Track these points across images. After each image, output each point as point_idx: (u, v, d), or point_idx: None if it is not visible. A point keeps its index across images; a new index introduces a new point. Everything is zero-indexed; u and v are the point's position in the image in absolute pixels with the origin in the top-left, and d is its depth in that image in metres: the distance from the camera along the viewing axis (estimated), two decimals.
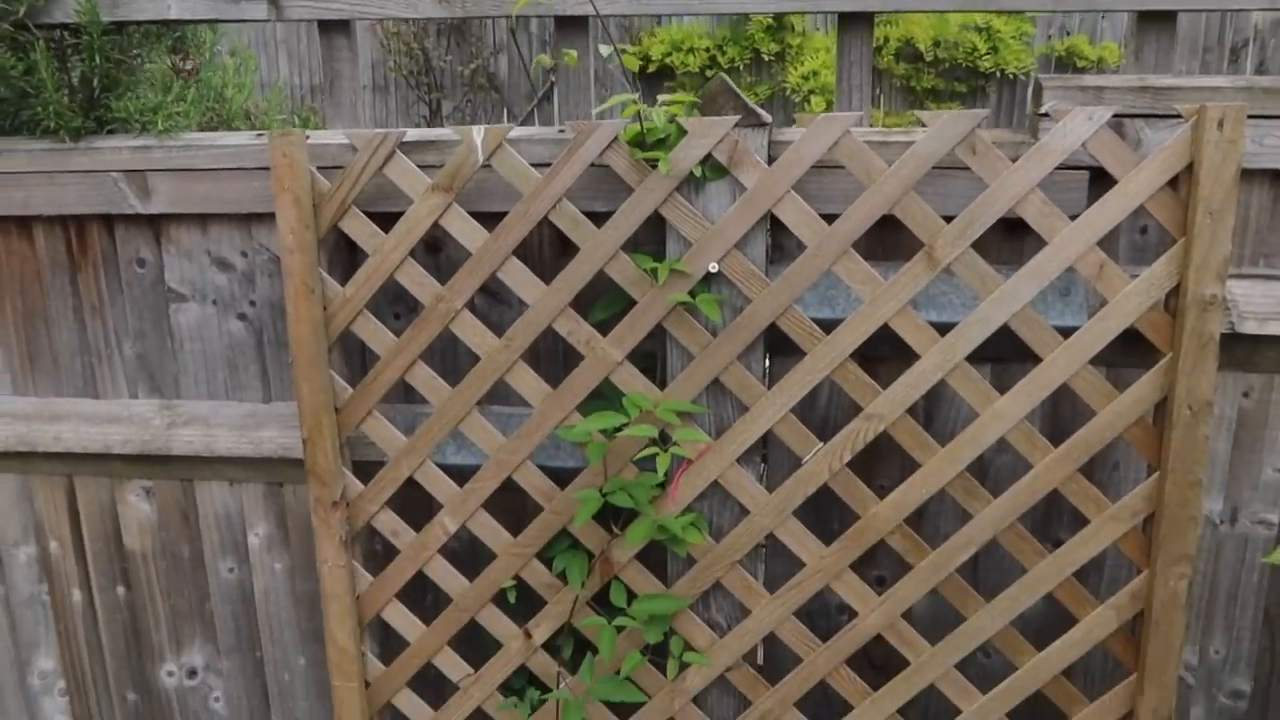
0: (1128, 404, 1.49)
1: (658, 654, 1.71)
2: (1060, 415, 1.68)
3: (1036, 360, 1.51)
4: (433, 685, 1.92)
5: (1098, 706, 1.62)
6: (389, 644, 1.91)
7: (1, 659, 2.12)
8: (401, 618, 1.80)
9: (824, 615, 1.82)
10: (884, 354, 1.62)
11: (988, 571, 1.75)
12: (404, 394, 1.84)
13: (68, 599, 2.06)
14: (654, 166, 1.52)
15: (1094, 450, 1.51)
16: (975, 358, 1.53)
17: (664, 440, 1.59)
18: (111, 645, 2.08)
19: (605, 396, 1.66)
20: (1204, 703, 1.76)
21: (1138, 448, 1.52)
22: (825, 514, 1.75)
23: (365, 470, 1.76)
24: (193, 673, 2.07)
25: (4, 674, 2.13)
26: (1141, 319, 1.46)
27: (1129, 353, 1.55)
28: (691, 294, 1.55)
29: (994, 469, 1.71)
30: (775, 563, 1.79)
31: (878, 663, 1.81)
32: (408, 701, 1.84)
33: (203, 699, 2.08)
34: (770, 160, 1.53)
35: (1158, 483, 1.51)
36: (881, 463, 1.74)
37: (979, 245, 1.48)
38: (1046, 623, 1.73)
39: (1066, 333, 1.49)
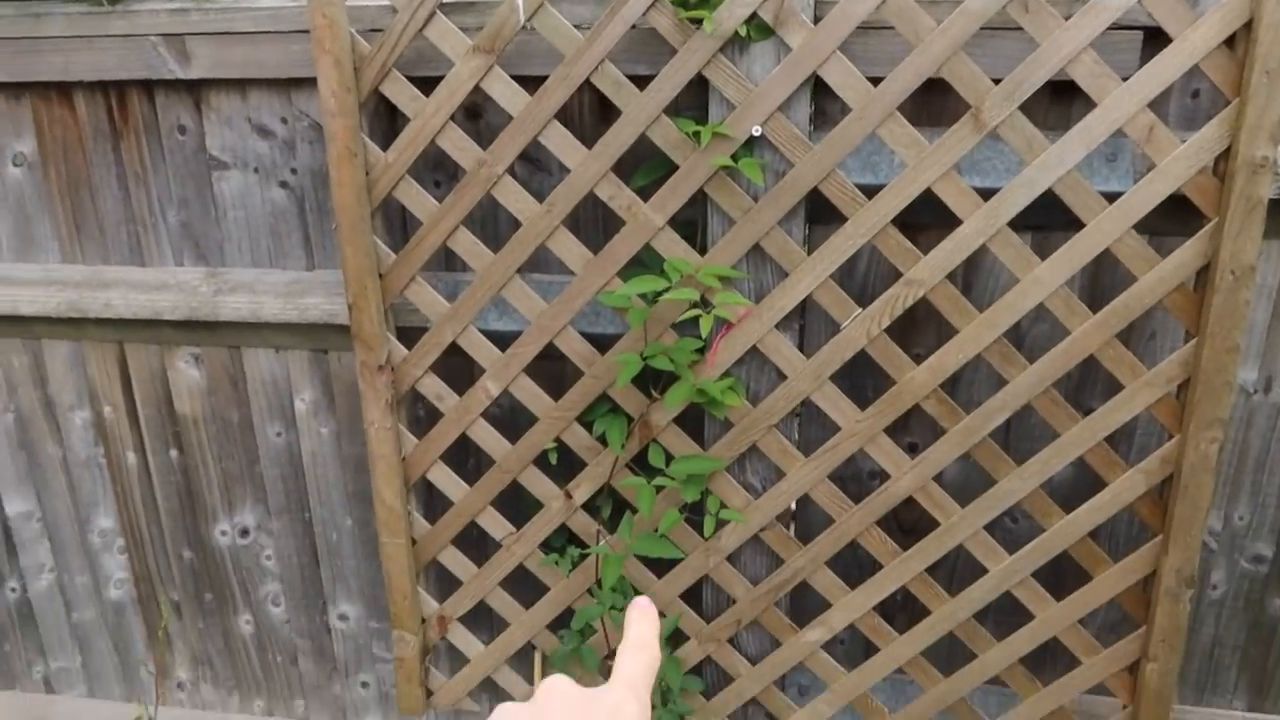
0: (1170, 269, 1.49)
1: (694, 513, 1.77)
2: (1100, 284, 1.68)
3: (1079, 228, 1.51)
4: (475, 545, 2.00)
5: (1122, 567, 1.67)
6: (433, 506, 1.98)
7: (63, 517, 2.22)
8: (446, 478, 1.86)
9: (856, 481, 1.86)
10: (925, 222, 1.62)
11: (1019, 439, 1.78)
12: (445, 262, 1.87)
13: (123, 461, 2.14)
14: (698, 26, 1.50)
15: (1133, 316, 1.52)
16: (1017, 225, 1.52)
17: (704, 306, 1.61)
18: (166, 505, 2.17)
19: (645, 264, 1.68)
20: (1225, 566, 1.80)
21: (1177, 314, 1.52)
22: (860, 381, 1.78)
23: (409, 336, 1.79)
24: (245, 532, 2.16)
25: (66, 531, 2.23)
26: (1189, 183, 1.45)
27: (1172, 219, 1.55)
28: (734, 158, 1.55)
29: (1030, 338, 1.72)
30: (809, 429, 1.83)
31: (907, 526, 1.86)
32: (452, 558, 1.92)
33: (255, 557, 2.18)
34: (816, 20, 1.50)
35: (1195, 348, 1.52)
36: (918, 331, 1.75)
37: (1026, 108, 1.46)
38: (1074, 490, 1.77)
39: (1111, 199, 1.48)
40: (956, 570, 1.87)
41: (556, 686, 0.48)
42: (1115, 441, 1.72)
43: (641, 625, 0.52)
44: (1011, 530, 1.84)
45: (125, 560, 2.25)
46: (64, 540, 2.25)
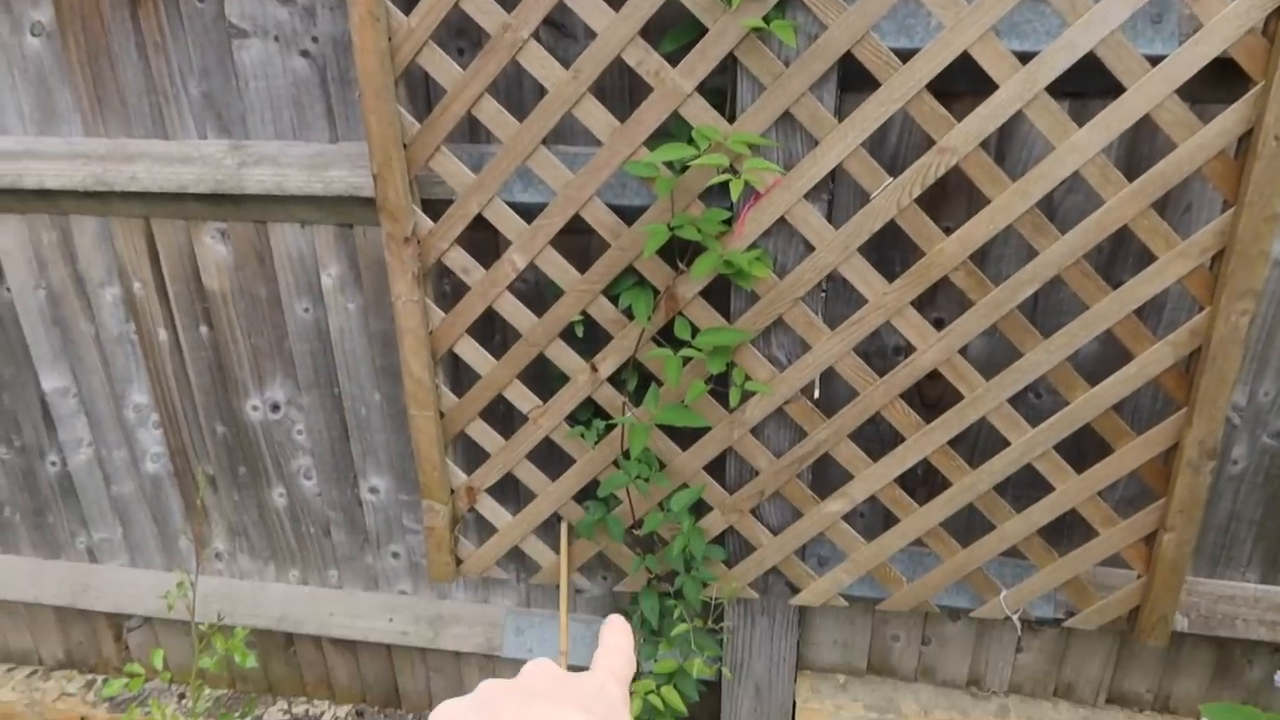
0: (1211, 135, 1.46)
1: (719, 386, 1.79)
2: (1137, 154, 1.65)
3: (1118, 94, 1.47)
4: (502, 419, 2.03)
5: (1144, 439, 1.68)
6: (460, 380, 2.01)
7: (98, 393, 2.27)
8: (473, 352, 1.88)
9: (880, 356, 1.87)
10: (960, 89, 1.58)
11: (1046, 314, 1.77)
12: (470, 134, 1.85)
13: (154, 337, 2.17)
14: None
15: (1170, 185, 1.49)
16: (1054, 91, 1.49)
17: (732, 175, 1.59)
18: (199, 381, 2.20)
19: (673, 136, 1.65)
20: (1247, 442, 1.81)
21: (1216, 182, 1.50)
22: (888, 255, 1.77)
23: (434, 209, 1.79)
24: (276, 407, 2.20)
25: (102, 407, 2.28)
26: (1238, 44, 1.41)
27: (1215, 85, 1.50)
28: (765, 20, 1.50)
29: (1063, 210, 1.70)
30: (835, 305, 1.83)
31: (931, 401, 1.87)
32: (480, 431, 1.95)
33: (286, 431, 2.22)
34: None
35: (1233, 217, 1.49)
36: (948, 203, 1.73)
37: None
38: (1100, 365, 1.77)
39: (1155, 62, 1.44)
40: (978, 444, 1.89)
41: (540, 666, 0.49)
42: (1144, 316, 1.71)
43: (616, 636, 0.54)
44: (1035, 405, 1.85)
45: (160, 435, 2.30)
46: (100, 415, 2.30)
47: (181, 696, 2.57)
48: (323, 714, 2.53)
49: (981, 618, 1.96)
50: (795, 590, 1.99)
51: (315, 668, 2.53)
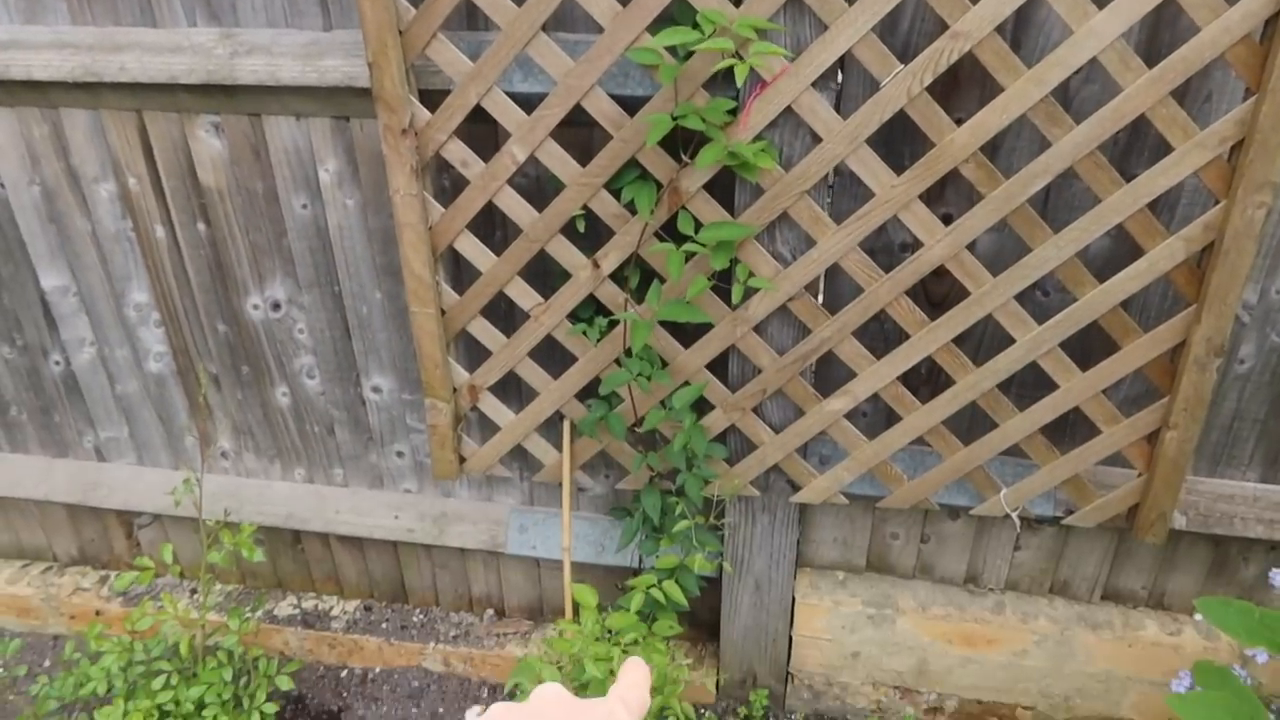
0: (1236, 19, 1.40)
1: (723, 282, 1.77)
2: (1158, 42, 1.59)
3: None
4: (503, 318, 2.02)
5: (1151, 336, 1.66)
6: (460, 278, 1.99)
7: (98, 291, 2.25)
8: (473, 248, 1.85)
9: (886, 253, 1.84)
10: None
11: (1057, 210, 1.74)
12: (467, 21, 1.79)
13: (152, 235, 2.15)
14: None
15: (1191, 71, 1.44)
16: None
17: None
18: (198, 279, 2.18)
19: (677, 21, 1.60)
20: (1255, 340, 1.79)
21: (1239, 68, 1.44)
22: (897, 148, 1.72)
23: (432, 100, 1.74)
24: (276, 305, 2.18)
25: (102, 305, 2.27)
26: None
27: None
28: None
29: (1079, 100, 1.64)
30: (842, 201, 1.79)
31: (936, 299, 1.85)
32: (482, 329, 1.94)
33: (287, 330, 2.21)
34: None
35: (1254, 105, 1.45)
36: (960, 94, 1.68)
37: None
38: (1109, 262, 1.75)
39: None
40: (983, 342, 1.88)
41: (550, 691, 0.50)
42: (1157, 210, 1.68)
43: (635, 673, 0.55)
44: (1042, 304, 1.82)
45: (162, 334, 2.29)
46: (101, 314, 2.29)
47: (193, 591, 2.62)
48: (331, 609, 2.59)
49: (981, 515, 1.97)
50: (796, 488, 2.01)
51: (323, 564, 2.58)
